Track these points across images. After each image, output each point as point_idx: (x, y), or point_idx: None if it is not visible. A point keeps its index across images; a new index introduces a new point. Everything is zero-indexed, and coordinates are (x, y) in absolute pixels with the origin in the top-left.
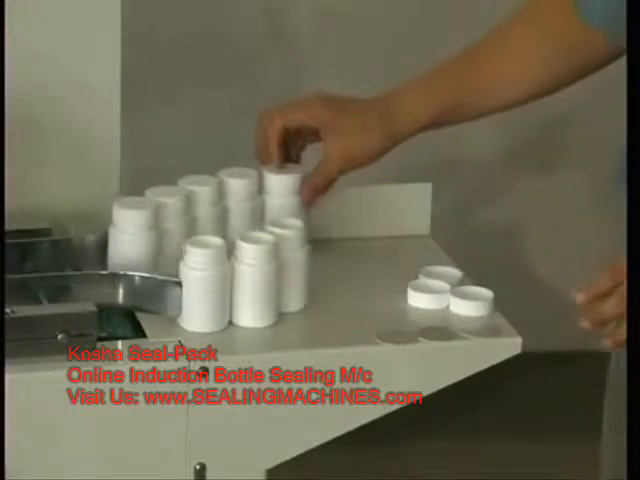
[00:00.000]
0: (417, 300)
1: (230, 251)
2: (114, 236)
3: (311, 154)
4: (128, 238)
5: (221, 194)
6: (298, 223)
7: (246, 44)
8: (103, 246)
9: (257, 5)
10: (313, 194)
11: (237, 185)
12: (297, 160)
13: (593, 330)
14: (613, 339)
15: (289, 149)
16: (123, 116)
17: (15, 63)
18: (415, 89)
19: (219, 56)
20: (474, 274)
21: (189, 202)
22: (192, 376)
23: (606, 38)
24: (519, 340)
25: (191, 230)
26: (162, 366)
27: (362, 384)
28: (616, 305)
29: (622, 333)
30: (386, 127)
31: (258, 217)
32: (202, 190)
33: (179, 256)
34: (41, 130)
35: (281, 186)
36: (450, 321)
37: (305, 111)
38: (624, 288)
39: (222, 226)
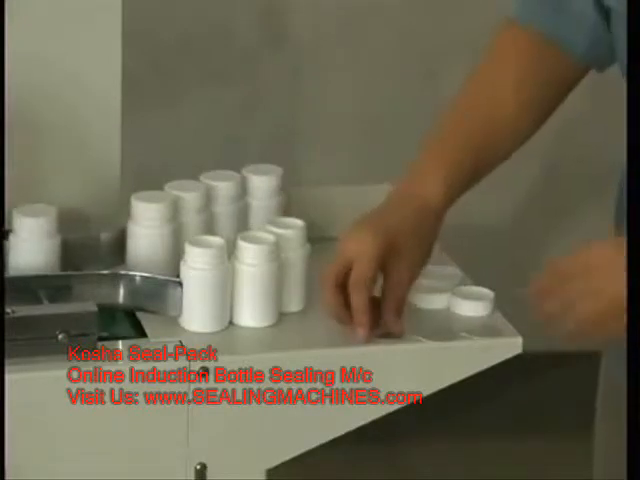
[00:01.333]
0: (417, 300)
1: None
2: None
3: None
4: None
5: (208, 198)
6: (298, 223)
7: (246, 44)
8: (104, 245)
9: (257, 5)
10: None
11: (223, 189)
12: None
13: (544, 322)
14: (558, 330)
15: None
16: (123, 116)
17: (15, 63)
18: (437, 173)
19: (219, 56)
20: (474, 274)
21: (176, 208)
22: (192, 376)
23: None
24: (519, 340)
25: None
26: (162, 366)
27: (362, 384)
28: (555, 302)
29: (563, 326)
30: (429, 221)
31: (244, 219)
32: (189, 196)
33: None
34: (41, 130)
35: (264, 187)
36: (450, 321)
37: (372, 260)
38: (563, 288)
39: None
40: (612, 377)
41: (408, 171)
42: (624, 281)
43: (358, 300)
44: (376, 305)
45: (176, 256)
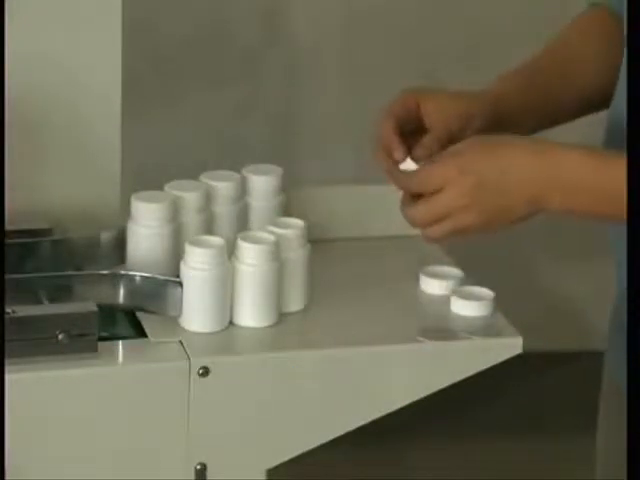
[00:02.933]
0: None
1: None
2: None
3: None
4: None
5: (208, 198)
6: (299, 223)
7: (246, 44)
8: (104, 245)
9: (257, 5)
10: (428, 156)
11: (223, 189)
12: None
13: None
14: (424, 235)
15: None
16: (124, 116)
17: (15, 63)
18: (504, 80)
19: (219, 56)
20: (474, 274)
21: (176, 208)
22: (192, 376)
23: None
24: (519, 340)
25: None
26: (162, 366)
27: (362, 384)
28: (427, 211)
29: (434, 231)
30: (482, 96)
31: (244, 219)
32: (189, 196)
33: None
34: (41, 130)
35: (264, 187)
36: (450, 321)
37: (401, 95)
38: (440, 197)
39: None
40: (613, 376)
41: None
42: (476, 206)
43: (384, 131)
44: None
45: (176, 256)
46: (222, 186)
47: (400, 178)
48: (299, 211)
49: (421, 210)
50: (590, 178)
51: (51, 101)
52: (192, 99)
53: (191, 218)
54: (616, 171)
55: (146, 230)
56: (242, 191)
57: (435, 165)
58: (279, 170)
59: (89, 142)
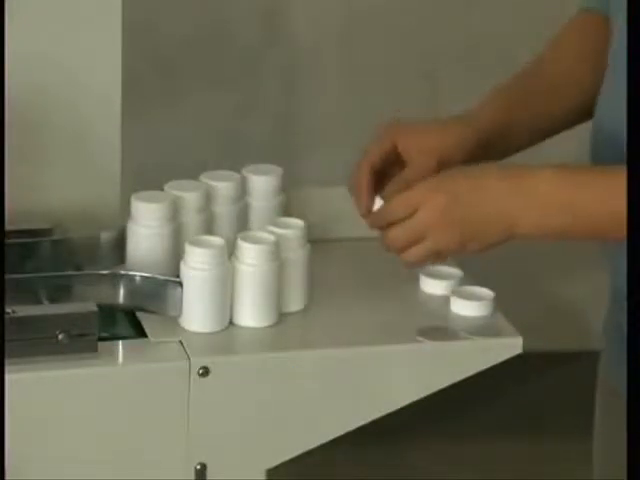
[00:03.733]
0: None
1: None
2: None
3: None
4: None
5: (208, 198)
6: (299, 223)
7: (246, 44)
8: (104, 245)
9: (257, 5)
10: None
11: (223, 189)
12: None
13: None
14: (405, 261)
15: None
16: (124, 116)
17: (15, 63)
18: (484, 103)
19: (219, 56)
20: (474, 274)
21: (176, 208)
22: (192, 376)
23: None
24: (519, 340)
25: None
26: (162, 366)
27: (362, 384)
28: (403, 233)
29: (410, 254)
30: (462, 121)
31: (244, 219)
32: (189, 196)
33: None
34: (41, 130)
35: (264, 187)
36: (450, 321)
37: (379, 140)
38: (389, 235)
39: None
40: (608, 377)
41: None
42: (450, 230)
43: (359, 178)
44: None
45: (176, 256)
46: (222, 186)
47: (373, 217)
48: (299, 211)
49: (396, 233)
50: (565, 197)
51: (51, 101)
52: (192, 99)
53: (191, 218)
54: (594, 188)
55: (146, 230)
56: (242, 191)
57: (406, 192)
58: (279, 170)
59: (89, 142)
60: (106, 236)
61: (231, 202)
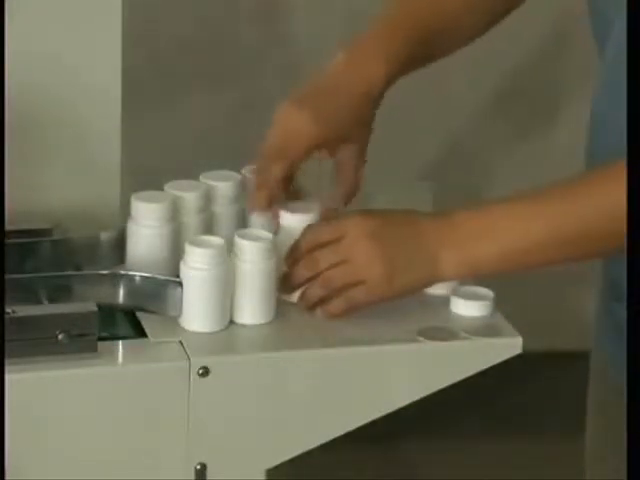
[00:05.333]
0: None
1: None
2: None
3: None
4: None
5: (208, 198)
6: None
7: (246, 44)
8: (104, 245)
9: (257, 5)
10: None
11: (223, 189)
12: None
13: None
14: (303, 299)
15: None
16: (124, 116)
17: (15, 63)
18: (375, 48)
19: (219, 56)
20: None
21: (176, 208)
22: (192, 376)
23: None
24: (519, 340)
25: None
26: (162, 366)
27: (362, 384)
28: (304, 269)
29: (307, 295)
30: (369, 101)
31: (244, 219)
32: (189, 196)
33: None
34: (41, 130)
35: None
36: (450, 321)
37: (304, 143)
38: (313, 256)
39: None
40: (600, 374)
41: (348, 49)
42: (376, 256)
43: (274, 173)
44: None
45: (176, 256)
46: (222, 186)
47: (297, 237)
48: None
49: (319, 254)
50: (481, 226)
51: (51, 101)
52: (192, 99)
53: (191, 218)
54: (519, 213)
55: (146, 230)
56: (242, 191)
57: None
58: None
59: (89, 142)
60: (106, 236)
61: (231, 202)
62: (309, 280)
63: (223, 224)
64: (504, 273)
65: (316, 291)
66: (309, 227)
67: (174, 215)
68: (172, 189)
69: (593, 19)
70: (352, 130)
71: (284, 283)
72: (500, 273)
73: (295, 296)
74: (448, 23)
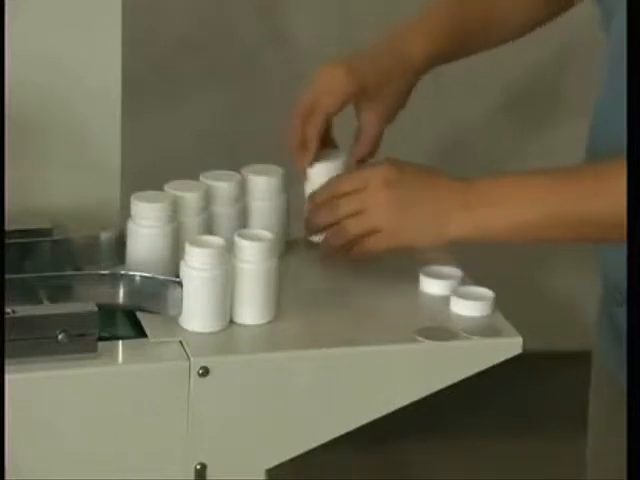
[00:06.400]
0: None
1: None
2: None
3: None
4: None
5: (208, 198)
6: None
7: (246, 44)
8: (104, 245)
9: (257, 5)
10: (360, 163)
11: (223, 189)
12: (333, 143)
13: (309, 235)
14: (322, 245)
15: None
16: (124, 116)
17: (15, 63)
18: (424, 24)
19: (219, 56)
20: (474, 274)
21: (176, 208)
22: (192, 376)
23: None
24: (519, 340)
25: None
26: (162, 366)
27: (362, 384)
28: (325, 215)
29: (326, 240)
30: (406, 74)
31: (244, 219)
32: (189, 196)
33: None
34: (41, 130)
35: (264, 187)
36: (450, 321)
37: (336, 96)
38: (335, 202)
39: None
40: (601, 374)
41: (392, 29)
42: (392, 207)
43: (309, 130)
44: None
45: (176, 256)
46: (222, 186)
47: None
48: (299, 211)
49: (341, 202)
50: (500, 194)
51: (51, 101)
52: (192, 99)
53: (191, 218)
54: (536, 187)
55: (146, 230)
56: (242, 191)
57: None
58: (279, 170)
59: (89, 142)
60: (106, 236)
61: (231, 202)
62: (329, 227)
63: (223, 224)
64: (512, 243)
65: (334, 239)
66: (335, 176)
67: (174, 215)
68: (172, 189)
69: (598, 9)
70: (383, 90)
71: (307, 225)
72: (509, 242)
73: (318, 238)
74: (493, 18)
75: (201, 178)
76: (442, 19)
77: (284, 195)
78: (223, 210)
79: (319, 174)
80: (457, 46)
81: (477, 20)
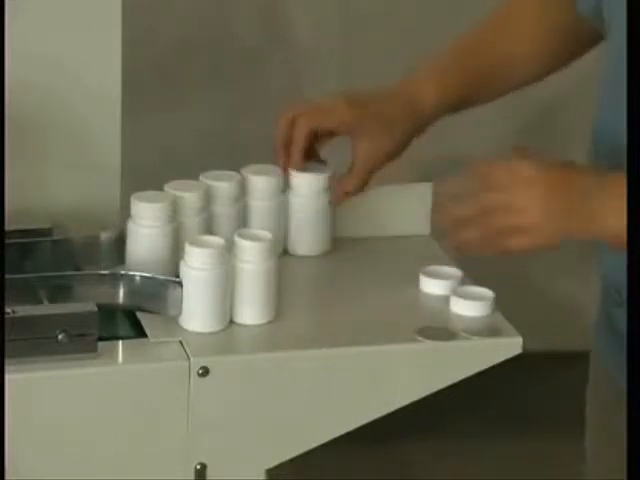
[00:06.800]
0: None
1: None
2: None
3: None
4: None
5: (208, 198)
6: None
7: (246, 44)
8: (104, 245)
9: (257, 5)
10: (344, 196)
11: (223, 189)
12: (318, 158)
13: (448, 228)
14: (456, 238)
15: (309, 149)
16: (124, 116)
17: (15, 63)
18: (433, 75)
19: (219, 56)
20: (474, 274)
21: (176, 208)
22: (192, 376)
23: (594, 25)
24: (519, 340)
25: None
26: (162, 366)
27: (362, 384)
28: (467, 207)
29: (464, 234)
30: (410, 120)
31: (244, 219)
32: (189, 196)
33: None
34: (42, 130)
35: (264, 187)
36: (450, 321)
37: (332, 116)
38: (481, 196)
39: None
40: (600, 374)
41: (403, 79)
42: (541, 200)
43: (296, 133)
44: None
45: (176, 256)
46: (222, 186)
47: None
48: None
49: (486, 196)
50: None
51: (51, 101)
52: (192, 99)
53: (191, 218)
54: None
55: (146, 230)
56: (242, 191)
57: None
58: (279, 170)
59: (89, 142)
60: (106, 236)
61: (231, 202)
62: (464, 220)
63: (223, 224)
64: None
65: (473, 231)
66: (476, 170)
67: (174, 215)
68: (172, 189)
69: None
70: (383, 132)
71: (443, 216)
72: None
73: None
74: (508, 63)
75: (201, 178)
76: (451, 70)
77: (284, 195)
78: (223, 210)
79: (301, 184)
80: (465, 97)
81: (483, 72)
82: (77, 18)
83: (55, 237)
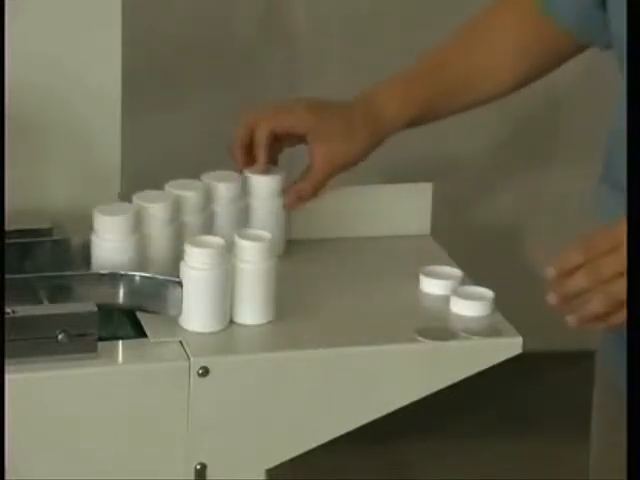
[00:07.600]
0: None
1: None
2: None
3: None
4: (147, 231)
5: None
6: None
7: (246, 44)
8: None
9: (257, 5)
10: (298, 200)
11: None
12: (275, 162)
13: (559, 306)
14: (578, 315)
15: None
16: (124, 116)
17: (15, 64)
18: (396, 87)
19: (219, 57)
20: (474, 274)
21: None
22: (192, 376)
23: (575, 37)
24: (519, 340)
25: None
26: (162, 366)
27: (361, 384)
28: (583, 279)
29: (588, 309)
30: (369, 128)
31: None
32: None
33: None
34: (42, 130)
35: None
36: (450, 321)
37: (292, 116)
38: (595, 264)
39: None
40: (606, 375)
41: (365, 90)
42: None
43: (257, 134)
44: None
45: (176, 256)
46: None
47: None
48: (299, 211)
49: (603, 263)
50: None
51: (51, 101)
52: (192, 99)
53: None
54: None
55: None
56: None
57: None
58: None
59: (89, 142)
60: None
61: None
62: (579, 293)
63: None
64: None
65: (597, 305)
66: (581, 237)
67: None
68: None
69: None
70: (340, 142)
71: (557, 295)
72: None
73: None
74: (478, 77)
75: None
76: (416, 83)
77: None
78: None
79: (257, 186)
80: (427, 111)
81: (450, 87)
82: (77, 18)
83: (55, 237)
